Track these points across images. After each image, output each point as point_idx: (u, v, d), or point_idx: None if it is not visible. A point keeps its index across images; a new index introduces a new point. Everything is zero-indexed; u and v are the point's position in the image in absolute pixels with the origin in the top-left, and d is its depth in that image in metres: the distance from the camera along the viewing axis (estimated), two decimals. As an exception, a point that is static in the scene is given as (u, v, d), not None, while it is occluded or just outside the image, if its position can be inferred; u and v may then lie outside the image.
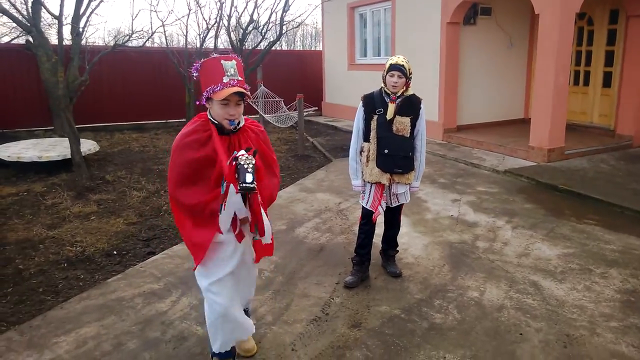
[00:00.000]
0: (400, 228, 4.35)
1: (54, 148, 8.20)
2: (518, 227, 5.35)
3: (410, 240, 4.99)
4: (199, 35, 12.98)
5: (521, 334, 3.37)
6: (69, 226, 5.46)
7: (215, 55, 2.46)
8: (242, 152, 2.36)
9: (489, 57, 10.55)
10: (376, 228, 4.20)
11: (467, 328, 3.44)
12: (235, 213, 2.60)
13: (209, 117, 2.55)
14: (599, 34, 9.74)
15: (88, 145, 8.30)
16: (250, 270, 3.00)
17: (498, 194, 6.52)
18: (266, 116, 10.73)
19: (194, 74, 2.53)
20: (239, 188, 2.27)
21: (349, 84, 13.64)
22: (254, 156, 2.35)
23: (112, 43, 12.29)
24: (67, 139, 8.88)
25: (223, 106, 2.43)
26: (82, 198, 6.47)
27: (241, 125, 2.61)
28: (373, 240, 4.19)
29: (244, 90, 2.43)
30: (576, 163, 7.82)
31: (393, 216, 4.19)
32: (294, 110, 9.97)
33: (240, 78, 2.44)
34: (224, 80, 2.38)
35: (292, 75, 14.71)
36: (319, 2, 13.83)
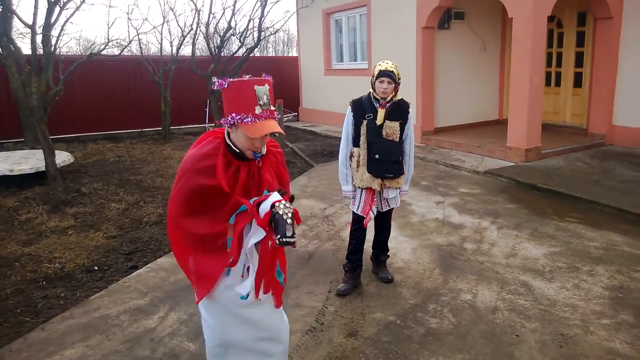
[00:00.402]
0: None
1: (26, 161, 7.96)
2: (503, 227, 5.38)
3: (399, 244, 4.97)
4: (171, 43, 12.85)
5: (517, 335, 3.37)
6: (45, 242, 5.28)
7: (248, 77, 2.12)
8: (276, 195, 2.10)
9: (463, 61, 10.67)
10: (367, 234, 4.16)
11: (464, 332, 3.43)
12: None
13: (227, 140, 2.21)
14: (568, 36, 9.94)
15: (62, 157, 8.07)
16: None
17: (480, 195, 6.56)
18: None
19: (216, 87, 2.15)
20: (277, 242, 2.00)
21: (326, 89, 13.65)
22: (291, 201, 2.11)
23: (80, 52, 12.03)
24: (38, 150, 8.65)
25: (249, 138, 2.12)
26: (58, 212, 6.27)
27: (264, 152, 2.30)
28: (364, 246, 4.15)
29: (280, 131, 2.15)
30: (553, 162, 7.93)
31: (383, 221, 4.16)
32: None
33: (272, 107, 2.15)
34: (256, 111, 2.07)
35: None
36: (295, 9, 13.78)
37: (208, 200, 2.19)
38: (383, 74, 3.70)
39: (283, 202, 2.06)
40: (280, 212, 2.01)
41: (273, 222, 2.04)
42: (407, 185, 4.07)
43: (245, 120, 2.07)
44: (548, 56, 10.07)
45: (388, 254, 4.34)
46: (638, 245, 4.78)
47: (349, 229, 5.32)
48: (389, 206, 4.04)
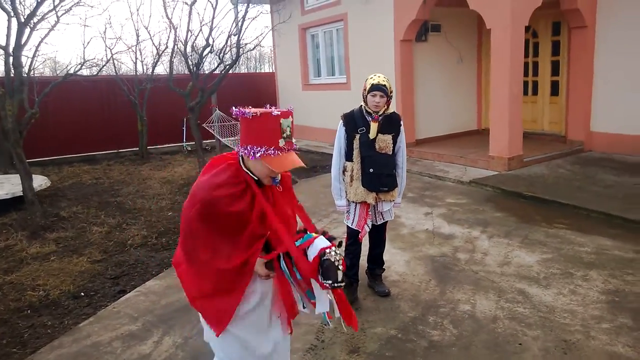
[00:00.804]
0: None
1: (1, 186, 7.72)
2: (494, 236, 5.38)
3: (392, 257, 4.92)
4: (142, 61, 12.71)
5: (520, 344, 3.33)
6: (27, 269, 5.09)
7: (275, 111, 2.05)
8: (324, 241, 2.06)
9: (442, 72, 10.78)
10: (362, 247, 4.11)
11: (466, 343, 3.38)
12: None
13: (243, 167, 2.14)
14: (544, 46, 10.13)
15: (39, 181, 7.86)
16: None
17: (467, 205, 6.57)
18: (223, 140, 10.53)
19: (237, 114, 2.08)
20: (329, 287, 2.00)
21: (304, 105, 13.63)
22: (339, 246, 2.10)
23: (50, 74, 11.77)
24: (13, 175, 8.40)
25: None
26: (38, 237, 6.07)
27: (279, 181, 2.25)
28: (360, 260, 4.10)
29: (303, 165, 2.12)
30: (535, 170, 8.01)
31: (378, 234, 4.12)
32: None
33: (294, 140, 2.12)
34: (280, 144, 2.02)
35: (246, 98, 14.49)
36: (270, 25, 13.80)
37: (225, 229, 2.09)
38: (375, 87, 3.67)
39: (333, 248, 2.04)
40: (332, 260, 2.00)
41: (322, 267, 2.02)
42: (400, 197, 4.05)
43: (269, 153, 2.01)
44: (525, 65, 10.20)
45: (384, 267, 4.29)
46: (628, 249, 4.81)
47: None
48: (383, 219, 4.00)
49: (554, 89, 10.07)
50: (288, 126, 2.05)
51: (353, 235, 3.98)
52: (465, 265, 4.68)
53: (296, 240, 2.11)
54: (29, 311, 4.20)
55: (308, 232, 2.18)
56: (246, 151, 2.05)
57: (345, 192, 3.91)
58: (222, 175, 2.09)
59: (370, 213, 3.91)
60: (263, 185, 2.17)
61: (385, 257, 4.39)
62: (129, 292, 4.50)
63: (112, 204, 7.66)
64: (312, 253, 2.05)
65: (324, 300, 2.20)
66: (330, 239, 2.12)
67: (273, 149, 2.01)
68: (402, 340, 3.45)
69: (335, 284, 1.99)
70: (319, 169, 9.51)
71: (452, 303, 3.95)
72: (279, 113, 2.03)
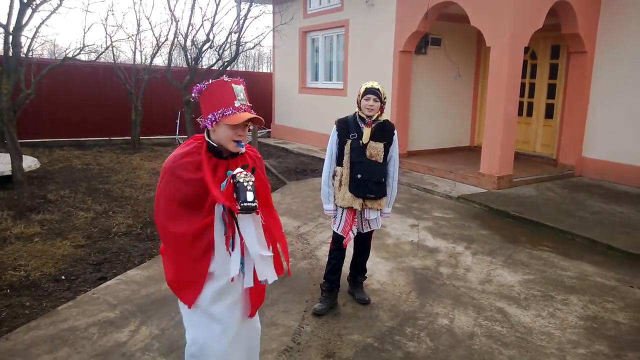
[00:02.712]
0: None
1: (-11, 164, 7.66)
2: (477, 253, 5.41)
3: (374, 265, 4.93)
4: (141, 52, 12.68)
5: (495, 362, 3.36)
6: (10, 248, 5.05)
7: (225, 77, 2.31)
8: (239, 169, 2.19)
9: (438, 86, 10.85)
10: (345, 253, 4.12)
11: (442, 357, 3.39)
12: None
13: (207, 139, 2.33)
14: (541, 68, 10.23)
15: (28, 162, 7.81)
16: (250, 329, 2.60)
17: (454, 220, 6.61)
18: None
19: (195, 95, 2.33)
20: (239, 208, 2.06)
21: (299, 107, 13.66)
22: (252, 173, 2.20)
23: (48, 56, 11.69)
24: (3, 154, 8.34)
25: (232, 127, 2.25)
26: (23, 218, 6.02)
27: (244, 150, 2.42)
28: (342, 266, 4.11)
29: (258, 117, 2.29)
30: (524, 190, 8.07)
31: (363, 242, 4.13)
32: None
33: (249, 104, 2.34)
34: (236, 105, 2.25)
35: (242, 96, 14.53)
36: (272, 25, 13.81)
37: (190, 196, 2.27)
38: (369, 91, 3.73)
39: (243, 172, 2.15)
40: (240, 180, 2.10)
41: (235, 191, 2.11)
42: (389, 207, 4.06)
43: (226, 113, 2.23)
44: (521, 86, 10.28)
45: (366, 275, 4.30)
46: (609, 276, 4.86)
47: (323, 248, 5.30)
48: (370, 227, 4.01)
49: (549, 112, 10.17)
50: (241, 91, 2.30)
51: (338, 241, 3.99)
52: (447, 279, 4.70)
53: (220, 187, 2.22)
54: (8, 290, 4.16)
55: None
56: (208, 120, 2.27)
57: (334, 197, 3.93)
58: (185, 148, 2.33)
59: (356, 220, 3.93)
60: (227, 157, 2.35)
61: (368, 265, 4.40)
62: (110, 279, 4.48)
63: (100, 191, 7.62)
64: (227, 182, 2.17)
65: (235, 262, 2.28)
66: (244, 167, 2.25)
67: (230, 109, 2.24)
68: (377, 349, 3.46)
69: (245, 203, 2.05)
70: (309, 172, 9.53)
71: (430, 316, 3.97)
72: (230, 80, 2.29)
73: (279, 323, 3.77)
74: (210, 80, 2.32)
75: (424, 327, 3.79)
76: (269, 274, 2.29)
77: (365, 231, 4.02)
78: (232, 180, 2.13)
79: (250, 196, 2.06)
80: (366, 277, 4.31)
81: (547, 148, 10.25)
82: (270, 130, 15.18)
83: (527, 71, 10.34)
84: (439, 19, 9.67)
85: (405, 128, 10.37)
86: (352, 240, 4.06)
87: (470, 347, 3.52)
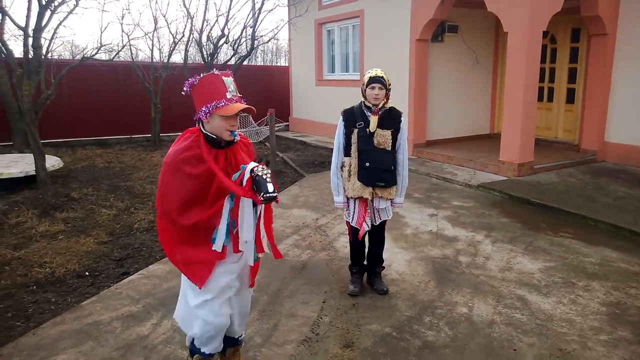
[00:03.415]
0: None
1: (15, 164, 7.84)
2: (497, 241, 5.37)
3: (393, 255, 4.93)
4: (160, 50, 12.78)
5: (515, 349, 3.34)
6: (36, 246, 5.18)
7: (215, 71, 2.43)
8: (253, 163, 2.35)
9: (456, 74, 10.73)
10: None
11: (461, 345, 3.39)
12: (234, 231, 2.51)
13: (203, 131, 2.46)
14: (561, 52, 10.05)
15: (52, 162, 7.96)
16: (245, 295, 2.86)
17: (473, 208, 6.56)
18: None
19: (186, 89, 2.45)
20: (262, 199, 2.26)
21: (317, 100, 13.65)
22: (267, 165, 2.37)
23: (68, 57, 11.84)
24: (27, 154, 8.53)
25: (225, 118, 2.40)
26: (47, 216, 6.16)
27: (238, 139, 2.56)
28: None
29: (250, 107, 2.43)
30: (545, 177, 7.97)
31: (376, 233, 4.12)
32: (265, 125, 9.85)
33: (239, 94, 2.47)
34: (228, 96, 2.38)
35: (260, 90, 14.63)
36: (287, 18, 13.81)
37: (196, 188, 2.41)
38: (373, 79, 3.74)
39: (260, 166, 2.33)
40: (260, 174, 2.28)
41: (255, 184, 2.29)
42: (401, 197, 4.04)
43: (219, 105, 2.35)
44: (541, 71, 10.07)
45: (383, 265, 4.31)
46: (633, 262, 4.78)
47: (342, 239, 5.32)
48: (380, 218, 4.01)
49: (570, 97, 10.00)
50: (231, 83, 2.41)
51: (354, 233, 4.01)
52: (466, 268, 4.68)
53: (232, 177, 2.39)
54: (34, 287, 4.28)
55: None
56: (202, 113, 2.39)
57: (344, 188, 3.94)
58: (184, 142, 2.44)
59: (368, 210, 3.93)
60: (223, 147, 2.47)
61: (386, 255, 4.42)
62: (132, 274, 4.57)
63: (122, 188, 7.75)
64: (246, 177, 2.34)
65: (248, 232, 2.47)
66: (258, 161, 2.39)
67: (223, 101, 2.36)
68: (396, 338, 3.47)
69: (267, 194, 2.25)
70: (327, 165, 9.52)
71: (449, 305, 3.96)
72: (220, 73, 2.41)
73: (298, 314, 3.80)
74: (201, 75, 2.43)
75: (442, 316, 3.78)
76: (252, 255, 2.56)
77: (377, 222, 4.02)
78: (251, 174, 2.30)
79: (271, 187, 2.25)
80: (384, 267, 4.32)
81: (568, 133, 10.09)
82: (288, 123, 15.20)
83: (547, 55, 10.16)
84: (456, 6, 9.55)
85: (424, 117, 10.31)
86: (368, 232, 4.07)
87: (490, 335, 3.51)
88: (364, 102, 3.86)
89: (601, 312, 3.84)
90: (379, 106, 3.80)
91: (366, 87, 3.78)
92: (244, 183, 2.33)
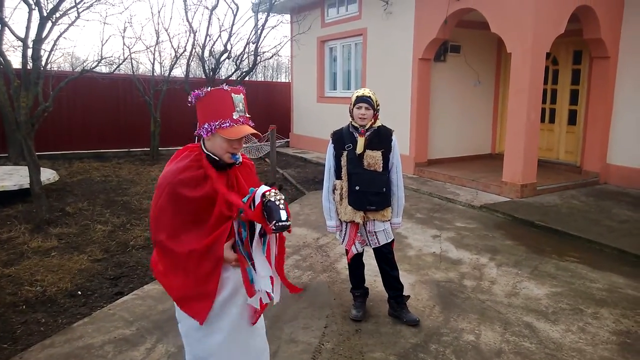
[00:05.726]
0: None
1: (9, 177, 7.70)
2: (502, 264, 5.24)
3: (396, 278, 4.79)
4: (160, 64, 12.73)
5: (525, 381, 3.20)
6: (27, 263, 5.02)
7: (225, 86, 2.19)
8: (264, 187, 2.12)
9: (458, 94, 10.69)
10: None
11: (469, 376, 3.25)
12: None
13: (204, 150, 2.24)
14: (563, 74, 10.02)
15: (47, 175, 7.83)
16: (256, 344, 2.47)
17: (477, 230, 6.44)
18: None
19: (192, 100, 2.23)
20: (274, 228, 2.00)
21: (318, 116, 13.59)
22: (280, 190, 2.17)
23: (67, 69, 11.78)
24: (22, 167, 8.39)
25: (228, 141, 2.17)
26: (41, 232, 6.01)
27: (241, 161, 2.33)
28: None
29: (256, 132, 2.25)
30: (548, 199, 7.86)
31: (384, 259, 3.95)
32: (265, 142, 9.76)
33: (248, 115, 2.25)
34: (234, 117, 2.15)
35: (261, 106, 14.55)
36: (290, 35, 13.79)
37: (195, 213, 2.17)
38: (360, 99, 3.66)
39: (272, 190, 2.10)
40: (273, 199, 2.05)
41: (266, 211, 2.05)
42: (398, 217, 3.92)
43: (224, 125, 2.14)
44: (543, 93, 10.12)
45: (408, 294, 4.11)
46: (641, 288, 4.66)
47: (344, 260, 5.18)
48: (379, 242, 3.86)
49: (572, 118, 9.95)
50: (241, 102, 2.19)
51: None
52: (471, 292, 4.54)
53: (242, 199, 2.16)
54: (24, 306, 4.12)
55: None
56: (203, 130, 2.18)
57: (337, 212, 3.84)
58: (183, 161, 2.20)
59: (359, 234, 3.82)
60: (225, 168, 2.26)
61: (390, 279, 4.27)
62: (127, 294, 4.42)
63: (119, 203, 7.61)
64: (256, 201, 2.10)
65: (264, 275, 2.19)
66: (271, 185, 2.18)
67: (228, 121, 2.14)
68: (402, 367, 3.33)
69: (280, 223, 2.01)
70: (329, 183, 9.41)
71: (455, 332, 3.82)
72: (230, 89, 2.18)
73: (299, 340, 3.65)
74: (209, 88, 2.22)
75: (449, 344, 3.64)
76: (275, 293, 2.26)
77: (374, 246, 3.88)
78: (262, 199, 2.07)
79: (284, 215, 2.02)
80: (409, 297, 4.11)
81: (570, 155, 10.01)
82: (289, 140, 15.12)
83: (549, 77, 10.13)
84: (458, 26, 9.53)
85: (426, 136, 10.23)
86: (375, 258, 3.95)
87: (498, 366, 3.37)
88: (351, 122, 3.77)
89: (612, 342, 3.71)
90: (366, 127, 3.70)
91: (353, 107, 3.71)
92: (254, 209, 2.09)
